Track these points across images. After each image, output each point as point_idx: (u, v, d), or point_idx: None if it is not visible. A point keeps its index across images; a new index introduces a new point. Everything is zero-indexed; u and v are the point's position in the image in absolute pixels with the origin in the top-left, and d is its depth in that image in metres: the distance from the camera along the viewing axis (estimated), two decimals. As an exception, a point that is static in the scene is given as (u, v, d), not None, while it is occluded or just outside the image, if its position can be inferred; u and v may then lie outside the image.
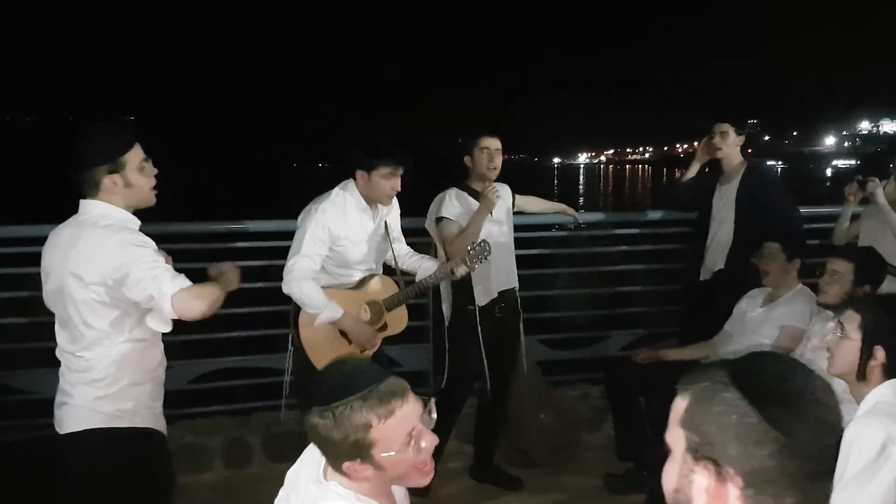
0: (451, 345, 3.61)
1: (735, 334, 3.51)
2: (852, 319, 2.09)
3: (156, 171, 2.33)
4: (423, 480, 1.49)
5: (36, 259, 3.55)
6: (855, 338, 2.06)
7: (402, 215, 3.39)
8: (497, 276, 3.60)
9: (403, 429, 1.42)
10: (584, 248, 4.74)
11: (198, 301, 2.15)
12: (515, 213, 3.82)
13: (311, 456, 1.56)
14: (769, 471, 0.93)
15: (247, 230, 3.99)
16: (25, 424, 3.45)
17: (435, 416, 1.50)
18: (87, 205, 2.24)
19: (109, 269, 2.12)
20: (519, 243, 4.23)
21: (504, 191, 3.70)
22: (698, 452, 0.97)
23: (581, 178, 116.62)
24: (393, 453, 1.41)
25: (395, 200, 3.28)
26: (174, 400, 3.87)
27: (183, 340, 3.94)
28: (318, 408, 1.40)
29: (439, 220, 3.55)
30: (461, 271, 3.21)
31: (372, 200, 3.11)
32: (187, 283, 2.16)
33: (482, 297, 3.56)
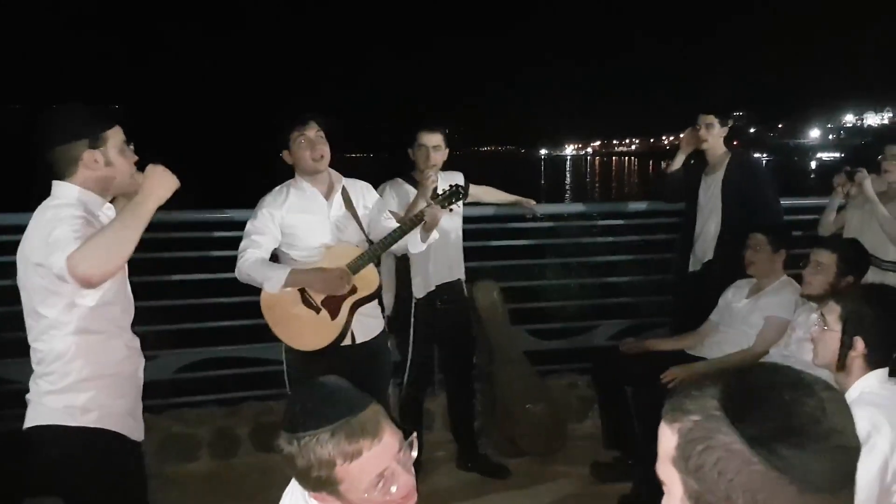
0: (396, 336, 3.60)
1: (721, 324, 3.54)
2: (833, 311, 2.11)
3: (136, 157, 2.21)
4: None
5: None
6: (836, 329, 2.07)
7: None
8: (437, 268, 3.56)
9: (373, 470, 1.32)
10: (572, 239, 4.76)
11: (91, 252, 1.87)
12: (470, 204, 3.81)
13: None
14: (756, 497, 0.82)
15: (233, 219, 3.97)
16: (17, 415, 3.43)
17: (415, 453, 1.41)
18: (58, 187, 2.11)
19: (42, 246, 1.97)
20: (505, 234, 4.25)
21: (454, 179, 3.63)
22: (701, 501, 0.86)
23: (568, 169, 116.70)
24: (360, 494, 1.33)
25: (366, 186, 3.21)
26: (162, 390, 3.87)
27: (171, 329, 3.94)
28: (286, 433, 1.35)
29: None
30: (430, 215, 2.98)
31: (312, 176, 3.01)
32: (72, 241, 1.90)
33: (419, 289, 3.55)
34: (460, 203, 3.62)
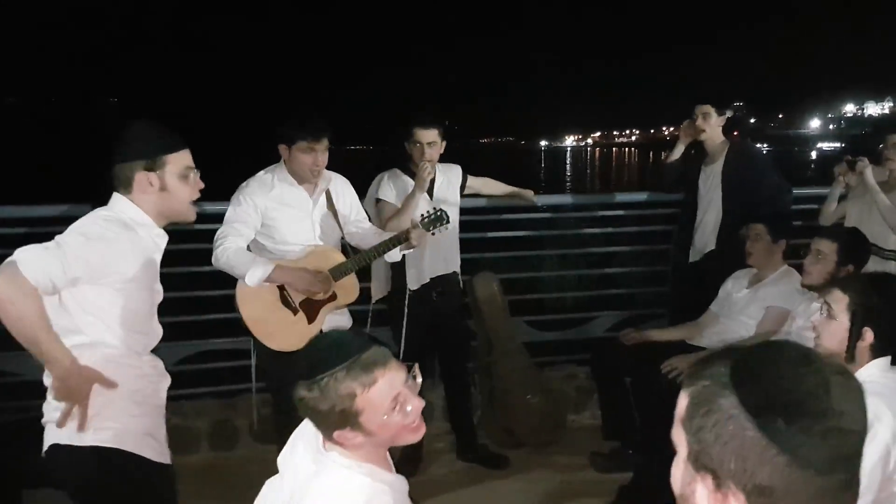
0: (391, 328, 3.62)
1: (721, 315, 3.53)
2: (840, 300, 2.09)
3: (201, 185, 2.16)
4: (415, 437, 1.54)
5: (21, 240, 3.52)
6: (843, 319, 2.06)
7: None
8: (433, 260, 3.55)
9: (388, 395, 1.46)
10: (571, 230, 4.75)
11: (10, 281, 1.79)
12: (469, 196, 3.80)
13: (303, 436, 1.56)
14: (774, 490, 0.82)
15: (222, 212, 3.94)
16: (16, 406, 3.43)
17: (420, 380, 1.54)
18: (115, 199, 2.09)
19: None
20: (504, 225, 4.23)
21: (451, 172, 3.65)
22: (698, 461, 0.88)
23: (568, 160, 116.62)
24: (380, 419, 1.46)
25: (346, 183, 3.23)
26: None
27: (168, 322, 3.92)
28: (304, 382, 1.44)
29: (377, 201, 3.54)
30: (416, 235, 3.06)
31: (300, 177, 3.01)
32: (34, 270, 1.82)
33: (413, 281, 3.54)
34: (457, 196, 3.62)
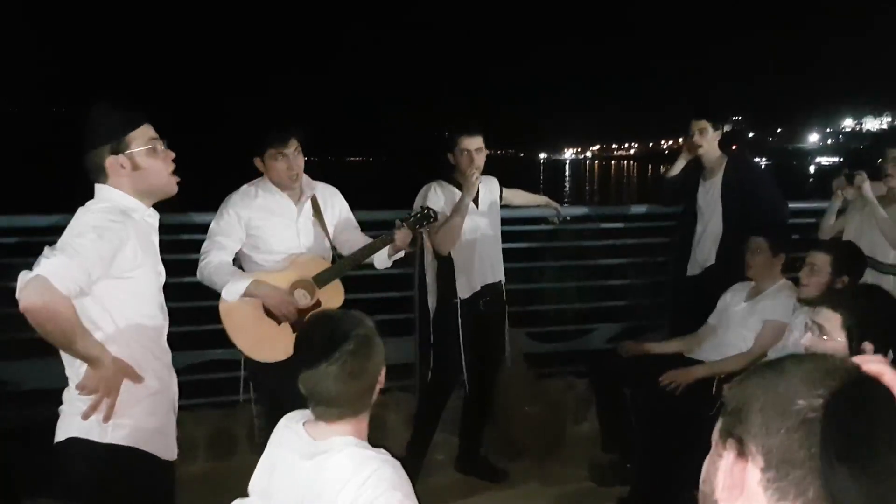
0: (435, 337, 3.60)
1: (719, 327, 3.54)
2: (832, 319, 2.07)
3: (172, 154, 2.16)
4: None
5: (19, 248, 3.52)
6: (839, 338, 2.04)
7: (382, 208, 3.33)
8: (482, 269, 3.57)
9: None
10: (570, 242, 4.75)
11: (39, 292, 1.82)
12: (502, 207, 3.81)
13: (278, 454, 1.62)
14: (791, 448, 0.80)
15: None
16: (16, 415, 3.42)
17: None
18: (99, 189, 2.10)
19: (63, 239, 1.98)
20: (505, 237, 4.23)
21: (491, 183, 3.69)
22: (727, 432, 0.87)
23: (567, 173, 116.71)
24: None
25: (335, 192, 3.23)
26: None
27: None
28: (343, 346, 1.54)
29: None
30: (400, 237, 3.03)
31: (283, 187, 3.00)
32: (64, 279, 1.85)
33: (464, 289, 3.54)
34: (497, 203, 3.65)
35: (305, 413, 1.66)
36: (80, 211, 2.07)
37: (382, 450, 1.57)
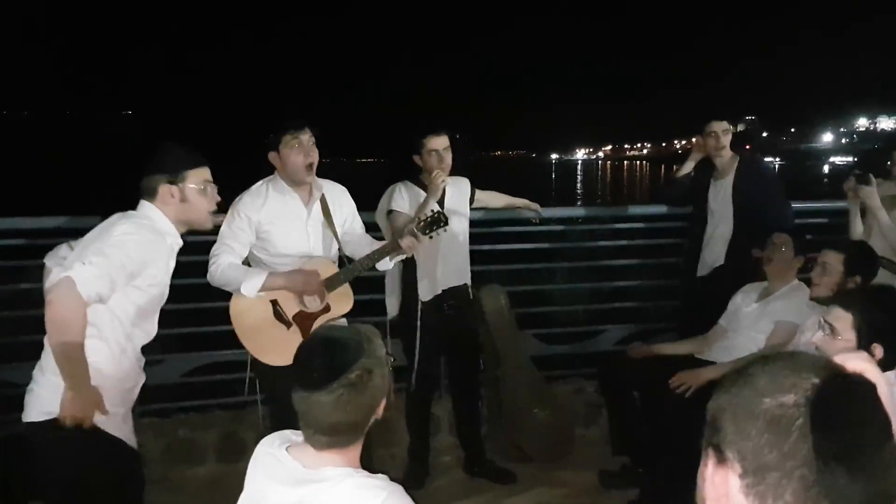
0: (401, 340, 3.60)
1: (730, 329, 3.50)
2: (843, 318, 2.06)
3: (219, 199, 2.45)
4: None
5: (28, 251, 3.54)
6: (849, 337, 2.03)
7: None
8: (445, 271, 3.55)
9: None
10: (580, 243, 4.73)
11: (68, 300, 2.04)
12: (477, 209, 3.78)
13: (263, 480, 1.54)
14: (762, 451, 0.79)
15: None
16: (10, 419, 3.44)
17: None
18: (142, 206, 2.35)
19: (91, 239, 2.23)
20: (513, 238, 4.22)
21: (460, 184, 3.65)
22: (707, 442, 0.87)
23: (579, 173, 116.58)
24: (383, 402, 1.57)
25: (344, 192, 3.22)
26: (168, 393, 3.87)
27: (176, 333, 3.93)
28: (346, 374, 1.46)
29: (389, 212, 3.52)
30: (407, 243, 3.00)
31: (295, 182, 2.99)
32: (90, 289, 2.06)
33: (426, 292, 3.52)
34: (467, 208, 3.61)
35: (285, 435, 1.57)
36: (119, 216, 2.29)
37: (382, 475, 1.49)
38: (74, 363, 2.09)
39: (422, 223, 3.06)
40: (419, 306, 3.53)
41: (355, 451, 1.53)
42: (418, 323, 3.52)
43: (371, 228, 3.39)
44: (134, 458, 2.38)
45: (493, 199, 3.91)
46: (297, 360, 1.53)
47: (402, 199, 3.52)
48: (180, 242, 2.42)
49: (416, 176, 3.57)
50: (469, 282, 3.70)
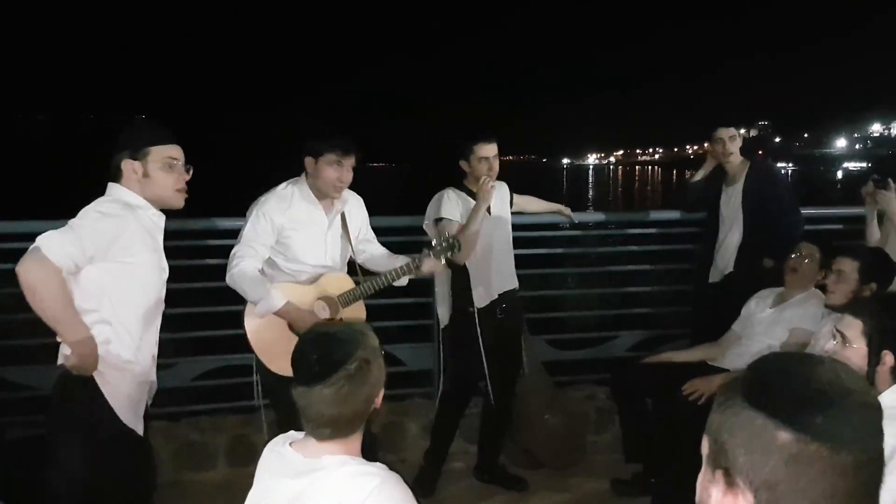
0: (452, 347, 3.59)
1: (743, 335, 3.47)
2: (854, 326, 2.04)
3: (188, 175, 2.45)
4: None
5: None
6: (860, 344, 2.01)
7: (403, 213, 3.34)
8: (498, 277, 3.55)
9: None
10: (592, 248, 4.71)
11: (36, 263, 2.14)
12: (515, 213, 3.78)
13: (269, 476, 1.59)
14: (779, 483, 0.82)
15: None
16: (27, 421, 3.45)
17: None
18: (109, 187, 2.39)
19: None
20: (525, 243, 4.20)
21: (502, 189, 3.65)
22: (714, 461, 0.88)
23: (591, 178, 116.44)
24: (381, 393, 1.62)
25: (360, 202, 3.24)
26: (179, 397, 3.87)
27: (188, 337, 3.94)
28: (344, 368, 1.50)
29: (438, 220, 3.50)
30: (428, 266, 3.10)
31: (321, 193, 3.01)
32: (58, 253, 2.14)
33: (482, 299, 3.51)
34: (509, 212, 3.64)
35: (289, 435, 1.63)
36: (93, 203, 2.34)
37: (380, 464, 1.54)
38: (63, 321, 2.20)
39: (439, 249, 3.14)
40: (475, 313, 3.50)
41: (356, 441, 1.58)
42: (478, 330, 3.48)
43: (388, 233, 3.38)
44: (144, 453, 2.47)
45: (529, 204, 3.93)
46: (295, 358, 1.58)
47: (453, 206, 3.50)
48: (160, 214, 2.44)
49: (460, 181, 3.56)
50: (518, 285, 3.69)
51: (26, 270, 2.13)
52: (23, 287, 2.14)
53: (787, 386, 0.86)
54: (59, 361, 2.33)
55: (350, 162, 2.96)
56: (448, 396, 3.64)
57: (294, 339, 2.82)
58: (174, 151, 2.42)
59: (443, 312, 3.59)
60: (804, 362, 0.89)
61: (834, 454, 0.80)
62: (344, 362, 1.51)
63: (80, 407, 2.31)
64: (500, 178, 3.56)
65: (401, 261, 3.15)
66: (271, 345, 2.91)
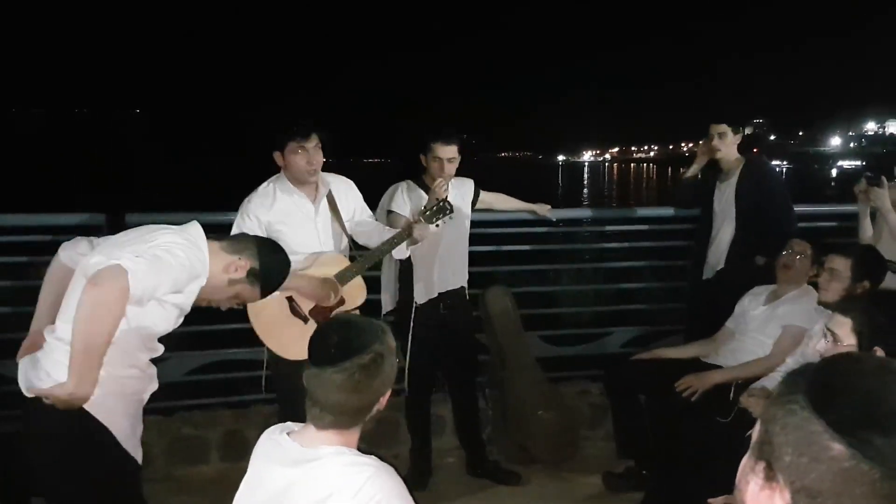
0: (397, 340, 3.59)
1: (737, 332, 3.48)
2: (844, 324, 2.06)
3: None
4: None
5: (33, 247, 3.54)
6: (850, 342, 2.03)
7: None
8: (441, 275, 3.53)
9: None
10: (586, 245, 4.72)
11: (116, 279, 1.84)
12: (481, 210, 3.77)
13: (263, 462, 1.59)
14: (821, 494, 0.78)
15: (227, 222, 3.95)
16: (10, 416, 3.44)
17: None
18: (192, 225, 2.21)
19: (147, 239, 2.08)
20: (518, 239, 4.21)
21: (464, 186, 3.63)
22: (760, 450, 0.84)
23: (586, 175, 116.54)
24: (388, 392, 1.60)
25: (350, 185, 3.25)
26: (172, 392, 3.86)
27: (181, 332, 3.92)
28: (359, 356, 1.50)
29: (389, 212, 3.51)
30: (418, 232, 3.08)
31: (299, 182, 3.03)
32: (137, 281, 1.87)
33: (421, 295, 3.51)
34: (469, 210, 3.59)
35: (287, 425, 1.63)
36: (165, 228, 2.13)
37: (373, 456, 1.54)
38: (92, 355, 1.92)
39: (428, 212, 3.15)
40: (413, 308, 3.51)
41: (354, 434, 1.57)
42: (411, 325, 3.50)
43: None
44: (132, 468, 2.21)
45: (500, 202, 3.89)
46: (314, 339, 1.59)
47: (403, 201, 3.51)
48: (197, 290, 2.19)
49: (420, 175, 3.56)
50: (466, 284, 3.68)
51: (105, 284, 1.85)
52: (91, 298, 1.86)
53: (855, 397, 0.80)
54: (42, 392, 2.01)
55: (313, 143, 2.97)
56: (407, 392, 3.64)
57: (297, 322, 2.96)
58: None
59: (386, 300, 3.58)
60: (880, 375, 0.82)
61: (886, 479, 0.75)
62: (361, 351, 1.51)
63: (83, 448, 2.07)
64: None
65: (392, 232, 3.17)
66: (278, 334, 2.97)
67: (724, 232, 3.85)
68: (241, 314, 3.89)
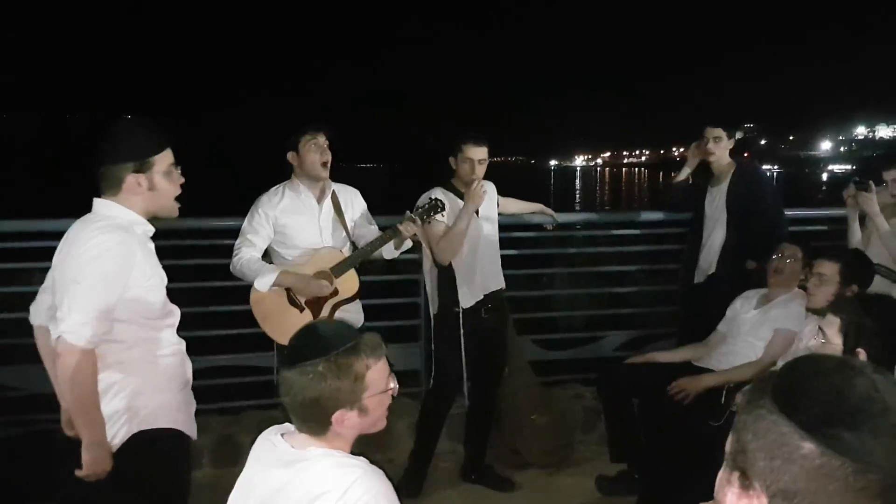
0: (436, 346, 3.60)
1: (729, 335, 3.50)
2: (832, 323, 2.09)
3: (182, 179, 2.21)
4: (383, 424, 1.66)
5: (29, 253, 3.55)
6: (836, 342, 2.05)
7: (391, 213, 3.41)
8: (484, 277, 3.55)
9: (385, 373, 1.61)
10: (579, 249, 4.72)
11: (70, 360, 1.94)
12: (499, 214, 3.78)
13: (257, 464, 1.60)
14: (797, 494, 0.80)
15: (237, 227, 3.96)
16: (20, 420, 3.42)
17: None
18: (98, 204, 2.12)
19: (75, 268, 2.01)
20: (512, 243, 4.21)
21: (490, 190, 3.66)
22: (734, 461, 0.86)
23: (578, 179, 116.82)
24: (377, 397, 1.58)
25: (355, 193, 3.43)
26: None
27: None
28: (313, 361, 1.50)
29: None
30: (409, 229, 3.20)
31: (311, 179, 3.24)
32: (85, 337, 1.95)
33: (467, 298, 3.52)
34: (496, 210, 3.66)
35: (284, 425, 1.64)
36: (79, 226, 2.09)
37: (362, 458, 1.55)
38: (90, 415, 2.00)
39: (420, 210, 3.28)
40: (460, 313, 3.50)
41: (338, 442, 1.57)
42: (461, 331, 3.49)
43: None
44: (187, 448, 2.36)
45: (511, 205, 3.94)
46: (290, 341, 1.61)
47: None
48: (151, 229, 2.20)
49: (448, 180, 3.57)
50: (504, 285, 3.70)
51: (64, 365, 1.95)
52: (60, 377, 1.98)
53: (819, 395, 0.82)
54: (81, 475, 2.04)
55: (323, 139, 3.20)
56: (431, 395, 3.65)
57: (293, 311, 3.14)
58: (171, 156, 2.16)
59: (432, 310, 3.61)
60: (841, 371, 0.84)
61: (859, 473, 0.77)
62: (323, 354, 1.51)
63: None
64: (488, 179, 3.58)
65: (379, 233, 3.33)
66: (277, 322, 3.17)
67: (716, 236, 3.87)
68: (233, 321, 3.90)
